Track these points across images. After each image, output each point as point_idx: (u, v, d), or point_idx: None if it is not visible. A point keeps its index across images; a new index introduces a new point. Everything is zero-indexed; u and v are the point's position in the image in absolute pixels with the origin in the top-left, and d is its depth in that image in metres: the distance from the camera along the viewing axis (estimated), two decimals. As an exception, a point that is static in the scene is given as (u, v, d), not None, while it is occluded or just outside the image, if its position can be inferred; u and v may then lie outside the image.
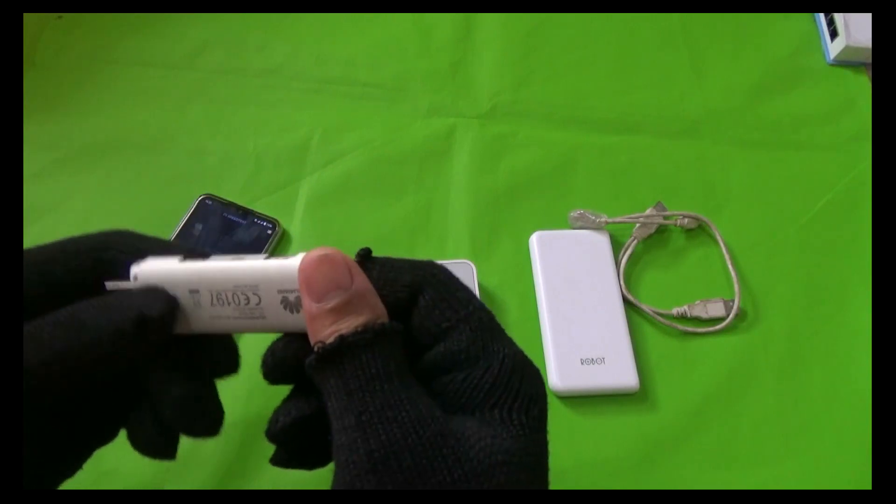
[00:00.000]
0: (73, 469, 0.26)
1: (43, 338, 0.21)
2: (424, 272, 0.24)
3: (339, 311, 0.22)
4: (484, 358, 0.23)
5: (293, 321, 0.23)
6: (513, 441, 0.21)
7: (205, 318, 0.23)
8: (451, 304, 0.24)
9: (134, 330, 0.22)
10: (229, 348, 0.26)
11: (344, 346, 0.21)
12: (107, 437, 0.27)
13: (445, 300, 0.24)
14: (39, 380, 0.21)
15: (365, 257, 0.24)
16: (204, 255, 0.24)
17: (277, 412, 0.24)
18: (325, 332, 0.22)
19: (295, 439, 0.24)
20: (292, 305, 0.23)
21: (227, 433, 0.43)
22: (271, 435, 0.24)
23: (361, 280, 0.23)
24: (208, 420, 0.25)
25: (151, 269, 0.23)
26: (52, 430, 0.24)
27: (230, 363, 0.26)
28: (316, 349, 0.22)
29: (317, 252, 0.22)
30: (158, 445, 0.25)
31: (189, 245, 0.25)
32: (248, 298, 0.23)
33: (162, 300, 0.23)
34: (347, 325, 0.22)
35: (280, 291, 0.23)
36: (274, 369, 0.24)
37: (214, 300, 0.23)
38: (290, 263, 0.23)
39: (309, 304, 0.22)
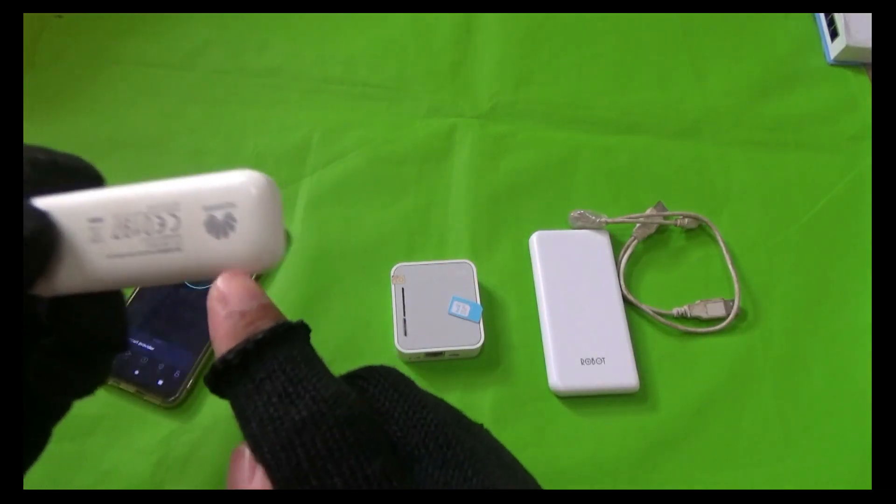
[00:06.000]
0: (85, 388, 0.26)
1: None
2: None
3: (255, 316, 0.21)
4: None
5: (214, 250, 0.20)
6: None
7: (100, 261, 0.20)
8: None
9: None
10: (120, 320, 0.25)
11: (274, 337, 0.21)
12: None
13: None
14: None
15: None
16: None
17: None
18: (242, 334, 0.21)
19: None
20: (219, 227, 0.19)
21: (226, 433, 0.43)
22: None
23: (266, 296, 0.23)
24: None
25: (50, 200, 0.20)
26: None
27: (119, 340, 0.24)
28: (245, 341, 0.21)
29: (227, 271, 0.22)
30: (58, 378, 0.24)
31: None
32: (162, 222, 0.20)
33: (34, 218, 0.20)
34: (261, 325, 0.21)
35: (206, 208, 0.19)
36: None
37: (119, 230, 0.20)
38: (221, 175, 0.19)
39: (227, 314, 0.21)
